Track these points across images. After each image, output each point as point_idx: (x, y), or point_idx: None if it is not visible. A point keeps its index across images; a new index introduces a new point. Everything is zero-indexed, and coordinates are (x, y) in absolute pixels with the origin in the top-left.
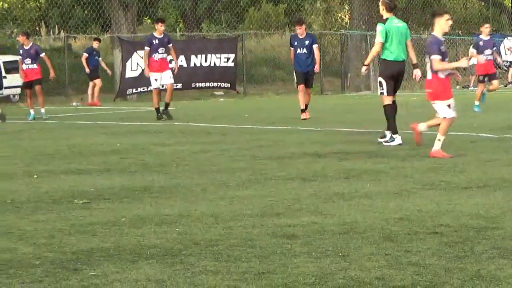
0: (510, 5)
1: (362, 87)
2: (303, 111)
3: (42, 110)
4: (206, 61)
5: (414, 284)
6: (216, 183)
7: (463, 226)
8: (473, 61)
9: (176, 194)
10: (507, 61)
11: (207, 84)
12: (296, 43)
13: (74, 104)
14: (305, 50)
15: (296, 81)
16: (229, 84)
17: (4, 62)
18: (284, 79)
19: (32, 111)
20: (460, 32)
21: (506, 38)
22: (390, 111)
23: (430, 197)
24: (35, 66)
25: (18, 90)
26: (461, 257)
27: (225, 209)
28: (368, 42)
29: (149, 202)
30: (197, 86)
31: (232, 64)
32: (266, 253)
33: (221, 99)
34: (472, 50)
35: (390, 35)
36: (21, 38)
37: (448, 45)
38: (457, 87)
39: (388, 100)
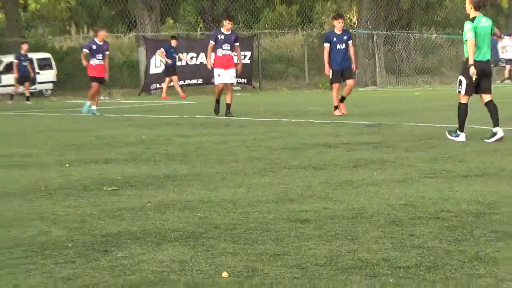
0: (506, 6)
1: (369, 83)
2: (336, 108)
3: (94, 107)
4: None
5: (418, 265)
6: (234, 172)
7: (463, 212)
8: None
9: (197, 181)
10: (503, 59)
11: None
12: (335, 39)
13: (102, 98)
14: (344, 46)
15: (331, 79)
16: (245, 80)
17: (37, 59)
18: (296, 75)
19: (94, 106)
20: (460, 31)
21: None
22: (464, 110)
23: (432, 185)
24: (103, 62)
25: (51, 85)
26: (461, 240)
27: (242, 196)
28: (375, 40)
29: (172, 189)
30: None
31: (248, 61)
32: (281, 236)
33: (238, 94)
34: None
35: (477, 34)
36: (103, 33)
37: (449, 43)
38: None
39: (464, 100)
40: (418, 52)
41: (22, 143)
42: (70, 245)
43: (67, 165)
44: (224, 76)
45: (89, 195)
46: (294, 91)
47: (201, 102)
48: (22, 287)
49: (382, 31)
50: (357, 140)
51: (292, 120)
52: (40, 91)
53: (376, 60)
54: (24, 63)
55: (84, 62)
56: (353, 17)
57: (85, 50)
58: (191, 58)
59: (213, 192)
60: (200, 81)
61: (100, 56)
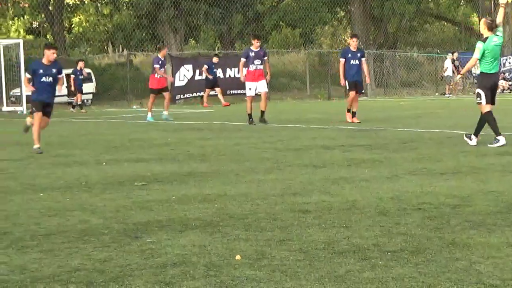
0: (478, 29)
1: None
2: (349, 111)
3: (166, 113)
4: (238, 73)
5: (403, 249)
6: (246, 169)
7: (441, 204)
8: (448, 72)
9: (215, 178)
10: (475, 74)
11: (239, 91)
12: (349, 55)
13: (134, 107)
14: (357, 62)
15: (348, 89)
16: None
17: None
18: (299, 87)
19: (150, 114)
20: (438, 50)
21: None
22: (490, 117)
23: (415, 181)
24: (165, 75)
25: (91, 96)
26: (440, 228)
27: (253, 190)
28: (366, 59)
29: (193, 184)
30: (232, 93)
31: None
32: (286, 224)
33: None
34: None
35: (489, 52)
36: (165, 51)
37: (429, 61)
38: (436, 94)
39: (487, 108)
40: (402, 68)
41: (67, 145)
42: (106, 231)
43: (104, 163)
44: (255, 89)
45: (122, 189)
46: (297, 101)
47: (217, 110)
48: (65, 268)
49: (372, 50)
50: (351, 142)
51: (295, 125)
52: (82, 101)
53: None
54: (81, 77)
55: (159, 74)
56: (348, 38)
57: (157, 66)
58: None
59: (228, 186)
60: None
61: (163, 70)
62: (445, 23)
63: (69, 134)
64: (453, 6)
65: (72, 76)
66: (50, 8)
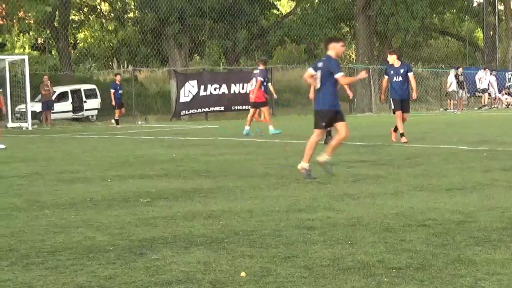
0: (482, 44)
1: (366, 109)
2: (395, 130)
3: (247, 127)
4: (243, 88)
5: (408, 266)
6: (251, 186)
7: (446, 220)
8: (452, 87)
9: (220, 194)
10: (480, 89)
11: (244, 107)
12: (392, 72)
13: (139, 123)
14: (400, 78)
15: (393, 108)
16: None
17: (85, 90)
18: (304, 103)
19: (271, 127)
20: (443, 65)
21: (479, 70)
22: None
23: (420, 197)
24: (261, 89)
25: (96, 112)
26: (445, 244)
27: (258, 206)
28: (370, 73)
29: (199, 200)
30: (236, 108)
31: None
32: (291, 241)
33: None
34: None
35: None
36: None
37: (433, 76)
38: (441, 109)
39: None
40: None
41: (72, 161)
42: (111, 248)
43: (109, 180)
44: None
45: (127, 206)
46: (302, 117)
47: (222, 126)
48: (70, 285)
49: (376, 65)
50: (355, 158)
51: (300, 141)
52: (87, 117)
53: (372, 90)
54: (120, 91)
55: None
56: (352, 53)
57: (260, 79)
58: (215, 89)
59: (233, 203)
60: (222, 108)
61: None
62: (450, 38)
63: (74, 150)
64: (458, 21)
65: (112, 90)
66: (55, 24)
